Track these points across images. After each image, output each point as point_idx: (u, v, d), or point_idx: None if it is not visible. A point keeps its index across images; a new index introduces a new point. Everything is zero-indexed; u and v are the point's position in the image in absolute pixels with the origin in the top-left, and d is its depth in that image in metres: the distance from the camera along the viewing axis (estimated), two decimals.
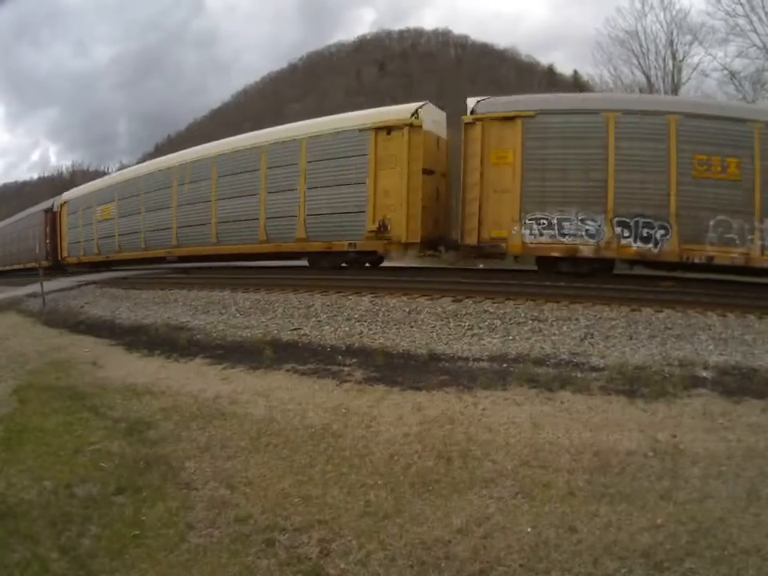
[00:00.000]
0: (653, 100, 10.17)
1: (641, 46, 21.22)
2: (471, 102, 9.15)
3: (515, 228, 8.58)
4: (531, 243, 8.56)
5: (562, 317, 6.60)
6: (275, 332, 7.25)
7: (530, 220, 8.54)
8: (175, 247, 13.20)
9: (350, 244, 9.98)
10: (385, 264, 11.60)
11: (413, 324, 6.90)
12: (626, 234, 8.24)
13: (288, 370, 5.79)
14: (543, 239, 8.50)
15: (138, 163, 27.94)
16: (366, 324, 7.11)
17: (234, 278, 11.62)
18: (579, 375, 4.97)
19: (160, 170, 13.94)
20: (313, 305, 8.16)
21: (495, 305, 7.26)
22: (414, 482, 3.51)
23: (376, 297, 8.15)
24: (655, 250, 8.14)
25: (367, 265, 10.90)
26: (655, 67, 21.16)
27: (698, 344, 5.62)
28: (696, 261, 8.15)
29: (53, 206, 18.22)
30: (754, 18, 17.67)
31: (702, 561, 2.62)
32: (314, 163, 10.35)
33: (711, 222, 7.98)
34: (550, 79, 51.02)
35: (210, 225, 12.10)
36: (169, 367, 6.48)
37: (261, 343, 6.64)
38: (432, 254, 10.55)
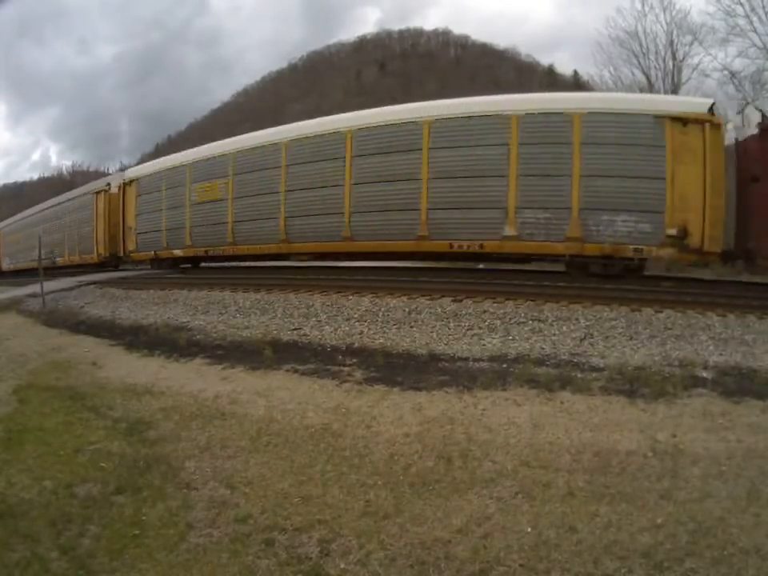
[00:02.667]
0: None
1: (641, 46, 21.27)
2: None
3: None
4: None
5: (562, 317, 6.61)
6: (275, 332, 7.25)
7: None
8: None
9: None
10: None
11: (413, 324, 6.90)
12: None
13: (288, 370, 5.79)
14: None
15: (138, 164, 28.65)
16: (366, 324, 7.11)
17: (234, 278, 11.63)
18: (579, 375, 4.97)
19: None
20: (313, 305, 8.16)
21: (495, 305, 7.26)
22: (414, 482, 3.50)
23: (376, 297, 8.15)
24: None
25: None
26: (655, 67, 21.21)
27: (698, 344, 5.62)
28: None
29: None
30: (754, 18, 17.69)
31: (702, 561, 2.61)
32: None
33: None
34: (549, 79, 51.07)
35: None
36: (169, 367, 6.48)
37: (261, 343, 6.64)
38: None
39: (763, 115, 8.38)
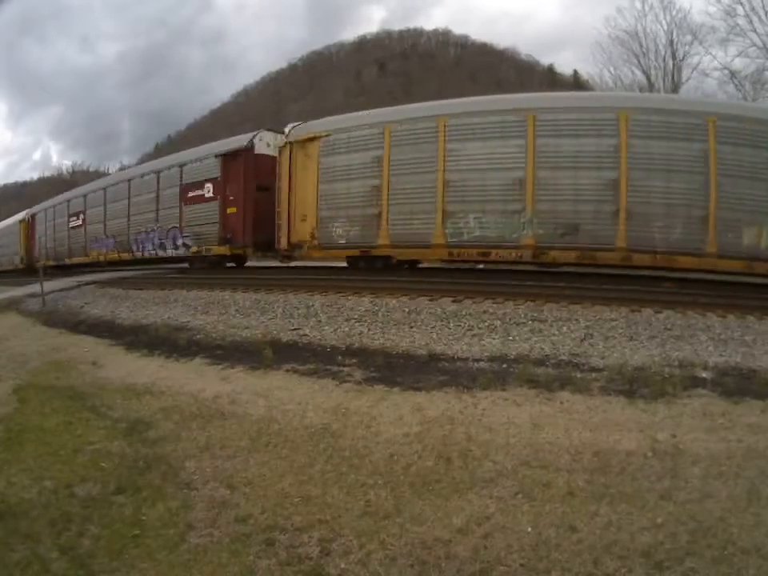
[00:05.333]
0: None
1: (641, 45, 21.32)
2: None
3: None
4: None
5: (562, 317, 6.61)
6: (275, 332, 7.25)
7: None
8: None
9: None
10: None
11: (413, 324, 6.90)
12: None
13: (288, 370, 5.78)
14: None
15: (138, 164, 29.04)
16: (365, 324, 7.11)
17: (234, 277, 11.63)
18: (579, 376, 4.97)
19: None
20: (313, 305, 8.16)
21: (495, 305, 7.26)
22: (414, 482, 3.50)
23: (376, 297, 8.15)
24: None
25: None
26: (655, 67, 21.28)
27: (698, 345, 5.62)
28: None
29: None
30: (754, 18, 17.77)
31: (702, 560, 2.62)
32: None
33: None
34: (549, 79, 51.12)
35: None
36: (169, 367, 6.48)
37: (261, 343, 6.63)
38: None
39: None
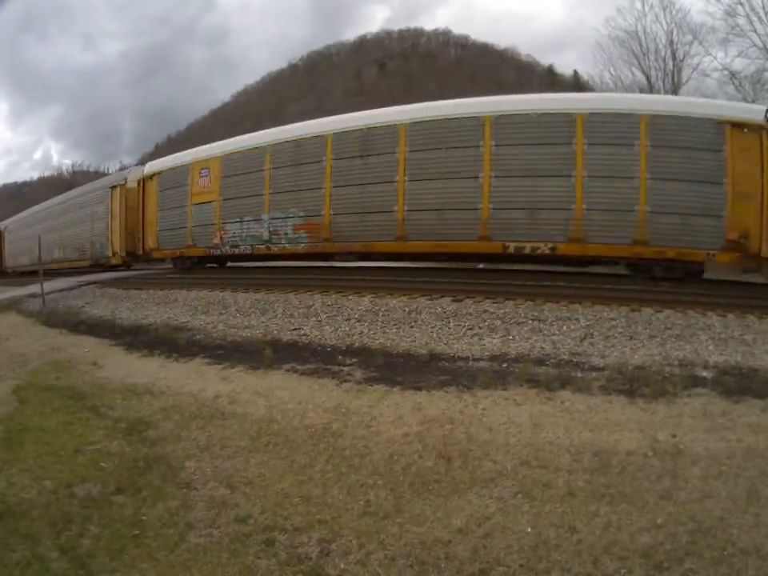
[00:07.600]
0: None
1: (641, 46, 21.28)
2: None
3: None
4: None
5: (562, 317, 6.60)
6: (275, 332, 7.25)
7: None
8: None
9: None
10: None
11: (413, 324, 6.90)
12: None
13: (288, 370, 5.78)
14: None
15: (138, 164, 29.56)
16: (366, 324, 7.11)
17: (234, 277, 11.63)
18: (579, 375, 4.97)
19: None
20: (313, 305, 8.16)
21: (495, 305, 7.25)
22: (413, 482, 3.51)
23: (376, 297, 8.15)
24: None
25: None
26: (655, 68, 21.23)
27: (698, 344, 5.61)
28: None
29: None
30: (754, 18, 17.73)
31: (702, 561, 2.62)
32: None
33: None
34: (550, 79, 51.11)
35: None
36: (169, 367, 6.48)
37: (261, 343, 6.64)
38: None
39: None
